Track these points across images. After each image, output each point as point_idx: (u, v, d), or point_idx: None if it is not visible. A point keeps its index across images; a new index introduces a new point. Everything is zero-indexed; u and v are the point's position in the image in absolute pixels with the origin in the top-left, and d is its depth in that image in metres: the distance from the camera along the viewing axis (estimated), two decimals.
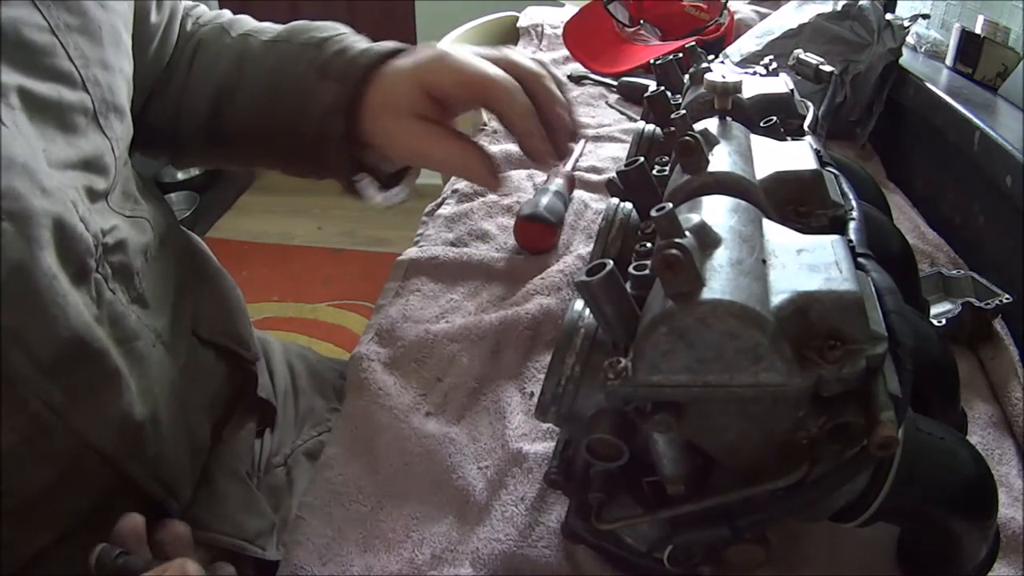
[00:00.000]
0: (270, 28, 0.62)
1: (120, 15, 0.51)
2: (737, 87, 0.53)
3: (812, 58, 0.76)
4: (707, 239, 0.36)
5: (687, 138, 0.45)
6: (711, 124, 0.50)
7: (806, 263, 0.36)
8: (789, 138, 0.54)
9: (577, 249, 0.78)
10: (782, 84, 0.63)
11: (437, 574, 0.47)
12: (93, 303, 0.45)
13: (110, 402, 0.46)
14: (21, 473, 0.42)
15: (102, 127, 0.47)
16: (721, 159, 0.46)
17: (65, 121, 0.45)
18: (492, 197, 0.89)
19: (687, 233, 0.34)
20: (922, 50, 1.11)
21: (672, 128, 0.50)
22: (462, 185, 0.92)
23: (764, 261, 0.36)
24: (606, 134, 1.07)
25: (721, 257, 0.35)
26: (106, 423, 0.46)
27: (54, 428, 0.43)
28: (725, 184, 0.44)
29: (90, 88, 0.46)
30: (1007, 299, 0.66)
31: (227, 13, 0.67)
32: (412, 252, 0.78)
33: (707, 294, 0.32)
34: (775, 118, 0.55)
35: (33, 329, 0.41)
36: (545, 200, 0.80)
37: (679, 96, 0.66)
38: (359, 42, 0.58)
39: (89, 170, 0.46)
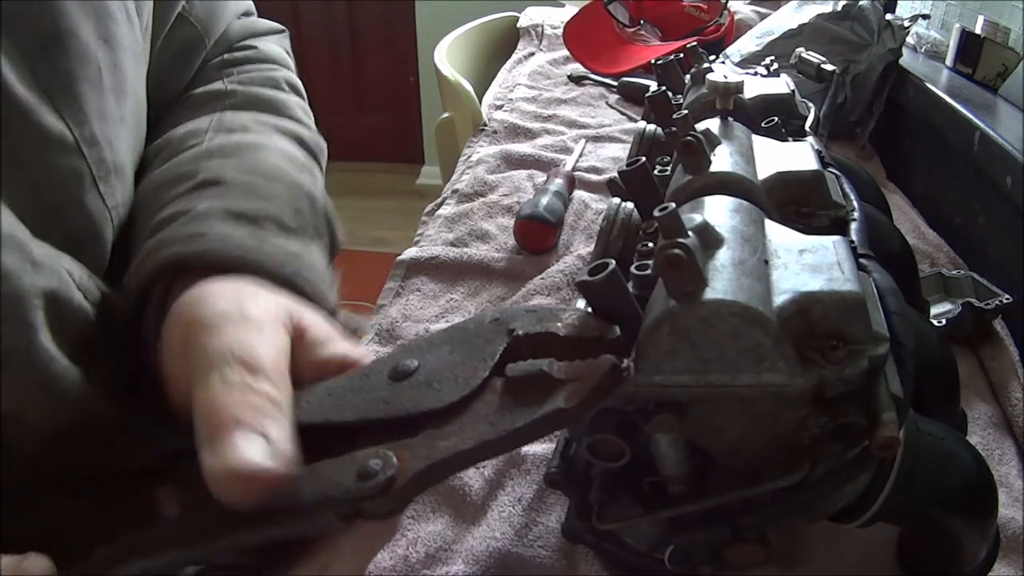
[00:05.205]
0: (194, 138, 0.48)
1: (127, 47, 0.43)
2: (739, 87, 0.53)
3: (814, 57, 0.76)
4: (709, 239, 0.36)
5: (689, 138, 0.45)
6: (713, 124, 0.50)
7: (808, 263, 0.36)
8: (791, 138, 0.54)
9: (577, 249, 0.78)
10: (783, 85, 0.63)
11: (431, 572, 0.47)
12: (96, 371, 0.39)
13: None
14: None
15: (102, 195, 0.40)
16: (723, 159, 0.46)
17: (46, 194, 0.38)
18: (492, 197, 0.89)
19: (690, 233, 0.34)
20: (922, 50, 1.11)
21: (673, 128, 0.50)
22: (462, 185, 0.92)
23: (766, 261, 0.36)
24: (606, 134, 1.07)
25: (723, 257, 0.35)
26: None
27: None
28: (727, 184, 0.44)
29: (85, 149, 0.39)
30: (1007, 299, 0.66)
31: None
32: (412, 252, 0.78)
33: (710, 294, 0.32)
34: (777, 118, 0.55)
35: (35, 413, 0.35)
36: (545, 200, 0.80)
37: (680, 96, 0.66)
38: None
39: (82, 250, 0.39)
